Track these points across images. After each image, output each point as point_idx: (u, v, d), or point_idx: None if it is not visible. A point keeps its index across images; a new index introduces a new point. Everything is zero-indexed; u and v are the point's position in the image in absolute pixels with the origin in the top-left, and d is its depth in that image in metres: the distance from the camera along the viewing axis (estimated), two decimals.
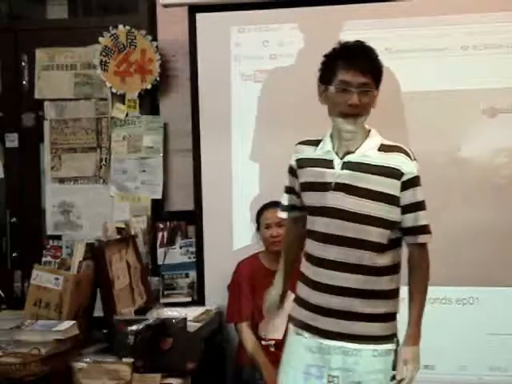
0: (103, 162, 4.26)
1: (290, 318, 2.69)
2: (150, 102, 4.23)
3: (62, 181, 4.31)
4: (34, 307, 3.19)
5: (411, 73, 3.68)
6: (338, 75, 2.47)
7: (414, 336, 2.58)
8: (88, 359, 2.96)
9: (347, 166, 2.51)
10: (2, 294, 3.90)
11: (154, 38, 4.16)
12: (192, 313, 3.41)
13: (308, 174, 2.59)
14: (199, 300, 3.91)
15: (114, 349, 3.05)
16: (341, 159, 2.52)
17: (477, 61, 3.64)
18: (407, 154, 2.51)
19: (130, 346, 2.98)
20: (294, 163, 2.67)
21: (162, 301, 4.02)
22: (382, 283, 2.53)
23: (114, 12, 4.54)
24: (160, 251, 4.10)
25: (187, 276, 4.09)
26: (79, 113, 4.29)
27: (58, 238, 4.27)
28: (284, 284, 2.86)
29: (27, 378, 2.76)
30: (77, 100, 4.29)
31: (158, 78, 4.14)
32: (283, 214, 2.81)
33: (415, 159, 2.53)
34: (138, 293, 3.56)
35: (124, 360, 2.94)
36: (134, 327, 3.03)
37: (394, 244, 2.55)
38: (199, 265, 3.94)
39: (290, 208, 2.77)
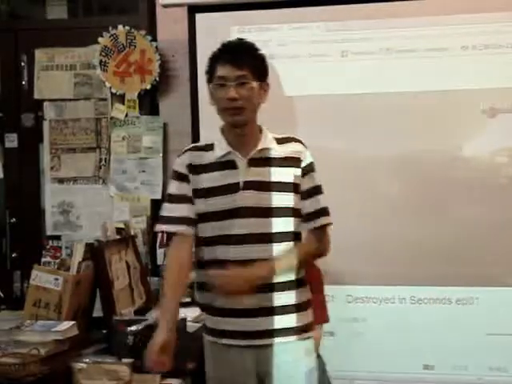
0: (103, 162, 4.26)
1: (208, 331, 2.63)
2: (149, 103, 4.23)
3: (61, 181, 4.31)
4: (34, 307, 3.18)
5: (413, 73, 3.68)
6: (216, 72, 2.50)
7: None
8: (87, 359, 2.95)
9: (252, 162, 2.51)
10: (2, 295, 3.90)
11: (154, 39, 4.15)
12: (191, 313, 3.39)
13: (206, 180, 2.53)
14: None
15: (113, 349, 3.05)
16: (244, 157, 2.52)
17: (477, 61, 3.65)
18: (301, 142, 2.60)
19: (130, 347, 2.98)
20: (184, 170, 2.56)
21: None
22: (299, 272, 2.57)
23: (113, 12, 4.55)
24: (160, 251, 4.10)
25: None
26: (79, 113, 4.29)
27: (58, 238, 4.27)
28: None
29: (27, 378, 2.75)
30: (76, 100, 4.29)
31: (157, 79, 4.13)
32: (176, 228, 2.55)
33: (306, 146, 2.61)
34: (137, 293, 3.56)
35: (124, 360, 2.93)
36: (134, 327, 3.03)
37: (300, 234, 2.60)
38: None
39: (185, 220, 2.55)
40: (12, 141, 4.39)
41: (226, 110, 2.50)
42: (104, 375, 2.88)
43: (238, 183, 2.50)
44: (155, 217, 4.12)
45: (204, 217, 2.54)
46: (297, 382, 2.56)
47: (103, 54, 4.13)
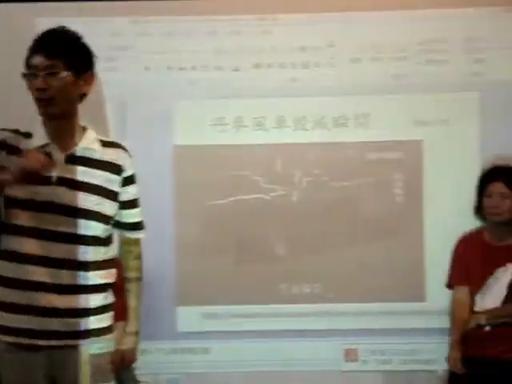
0: None
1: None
2: None
3: None
4: None
5: None
6: (29, 61, 2.42)
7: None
8: None
9: (71, 159, 2.45)
10: None
11: None
12: None
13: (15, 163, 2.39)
14: None
15: None
16: (62, 152, 2.45)
17: None
18: (126, 151, 2.59)
19: None
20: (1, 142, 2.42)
21: None
22: (95, 278, 2.50)
23: None
24: None
25: None
26: None
27: None
28: None
29: None
30: None
31: None
32: None
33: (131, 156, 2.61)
34: None
35: None
36: None
37: (109, 239, 2.58)
38: None
39: None
40: None
41: (37, 101, 2.41)
42: None
43: (51, 177, 2.41)
44: None
45: (10, 201, 2.41)
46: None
47: None
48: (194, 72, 4.05)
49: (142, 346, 3.78)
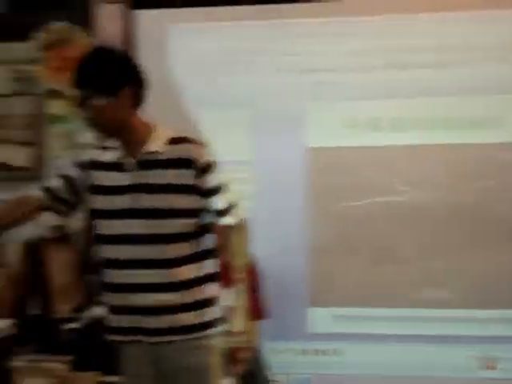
0: (38, 158, 4.22)
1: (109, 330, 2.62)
2: None
3: None
4: None
5: None
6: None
7: None
8: (25, 358, 2.94)
9: (140, 166, 2.51)
10: None
11: (92, 34, 4.13)
12: None
13: (98, 177, 2.55)
14: None
15: (51, 347, 3.04)
16: (132, 161, 2.52)
17: None
18: (196, 142, 2.56)
19: (68, 344, 2.98)
20: (84, 161, 2.58)
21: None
22: (194, 271, 2.54)
23: (51, 8, 4.49)
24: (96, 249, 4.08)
25: None
26: (15, 109, 4.24)
27: None
28: None
29: None
30: (12, 96, 4.24)
31: None
32: (35, 191, 2.63)
33: (205, 146, 2.58)
34: (76, 290, 3.55)
35: (60, 358, 2.93)
36: (72, 325, 3.03)
37: (198, 232, 2.57)
38: None
39: (47, 190, 2.61)
40: None
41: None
42: (41, 373, 2.88)
43: (127, 185, 2.51)
44: None
45: (95, 213, 2.56)
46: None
47: (41, 49, 4.10)
48: (325, 73, 4.04)
49: (274, 345, 3.92)
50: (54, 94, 4.15)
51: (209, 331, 2.56)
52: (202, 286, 2.56)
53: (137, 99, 2.52)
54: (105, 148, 2.58)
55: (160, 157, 2.52)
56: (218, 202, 2.59)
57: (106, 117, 2.47)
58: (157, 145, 2.53)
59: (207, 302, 2.57)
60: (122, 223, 2.51)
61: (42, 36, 4.10)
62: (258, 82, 4.08)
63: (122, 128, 2.51)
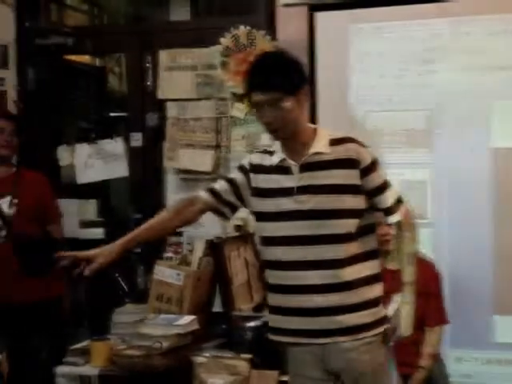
0: (221, 160, 4.33)
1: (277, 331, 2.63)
2: None
3: (184, 179, 4.40)
4: (157, 302, 3.28)
5: None
6: (250, 97, 2.52)
7: None
8: (208, 354, 3.01)
9: (305, 168, 2.53)
10: (126, 289, 4.04)
11: (273, 38, 4.18)
12: None
13: (262, 180, 2.60)
14: None
15: (232, 344, 3.10)
16: (297, 163, 2.54)
17: None
18: (358, 142, 2.55)
19: (249, 342, 3.02)
20: (247, 165, 2.66)
21: None
22: (361, 271, 2.53)
23: (233, 13, 4.61)
24: None
25: None
26: (200, 112, 4.36)
27: (179, 234, 4.37)
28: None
29: (149, 370, 2.85)
30: (198, 100, 4.37)
31: None
32: (201, 192, 2.72)
33: (366, 145, 2.57)
34: (255, 290, 3.60)
35: (242, 356, 2.98)
36: (252, 323, 3.07)
37: (363, 232, 2.55)
38: None
39: (211, 190, 2.70)
40: (137, 140, 4.53)
41: (267, 130, 2.56)
42: (223, 370, 2.94)
43: (293, 188, 2.53)
44: None
45: (260, 216, 2.63)
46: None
47: (224, 54, 4.20)
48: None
49: (458, 354, 3.79)
50: (236, 97, 4.24)
51: (376, 331, 2.55)
52: (369, 286, 2.56)
53: (307, 98, 2.57)
54: (267, 152, 2.64)
55: (325, 158, 2.53)
56: (385, 201, 2.58)
57: (290, 118, 2.51)
58: (321, 146, 2.54)
59: (374, 302, 2.57)
60: (288, 225, 2.54)
61: (227, 41, 4.19)
62: (444, 80, 3.95)
63: (297, 131, 2.55)
